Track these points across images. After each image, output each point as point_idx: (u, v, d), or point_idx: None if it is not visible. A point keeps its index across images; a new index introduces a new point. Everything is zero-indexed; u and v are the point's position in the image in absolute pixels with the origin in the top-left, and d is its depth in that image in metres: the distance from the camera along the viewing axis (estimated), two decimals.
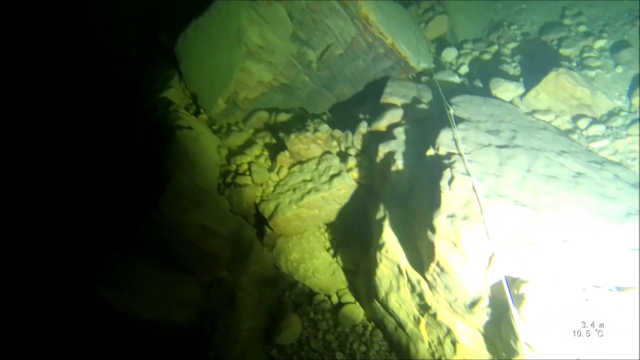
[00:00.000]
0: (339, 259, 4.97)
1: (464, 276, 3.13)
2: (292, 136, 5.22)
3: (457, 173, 3.56)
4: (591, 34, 5.66)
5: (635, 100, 4.55)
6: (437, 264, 3.25)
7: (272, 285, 4.96)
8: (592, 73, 5.08)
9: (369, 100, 5.83)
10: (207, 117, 6.16)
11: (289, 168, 5.23)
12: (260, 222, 5.11)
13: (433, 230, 3.20)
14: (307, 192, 4.82)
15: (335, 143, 5.42)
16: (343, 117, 5.93)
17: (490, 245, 3.04)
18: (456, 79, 5.80)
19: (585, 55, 5.37)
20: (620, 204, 3.44)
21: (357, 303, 4.69)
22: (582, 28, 5.84)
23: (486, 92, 5.35)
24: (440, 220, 3.21)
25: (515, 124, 4.46)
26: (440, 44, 7.11)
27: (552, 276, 2.93)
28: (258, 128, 6.09)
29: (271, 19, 5.99)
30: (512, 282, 2.95)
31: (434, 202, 3.39)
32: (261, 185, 5.15)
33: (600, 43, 5.42)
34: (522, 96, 5.07)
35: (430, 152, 4.06)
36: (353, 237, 4.99)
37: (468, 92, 5.54)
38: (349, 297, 4.77)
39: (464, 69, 6.21)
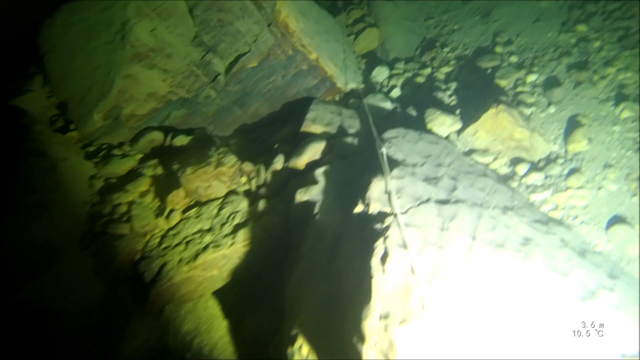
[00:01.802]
0: (244, 329, 3.95)
1: None
2: (189, 170, 4.07)
3: (392, 246, 2.76)
4: (523, 66, 5.35)
5: (570, 147, 4.23)
6: None
7: None
8: (527, 111, 4.72)
9: (288, 124, 4.88)
10: (79, 135, 4.73)
11: (183, 212, 4.07)
12: (141, 283, 3.88)
13: (361, 338, 2.35)
14: (203, 248, 3.72)
15: (244, 179, 4.37)
16: (257, 142, 4.91)
17: None
18: (388, 105, 5.10)
19: (519, 89, 5.02)
20: (573, 282, 2.94)
21: None
22: (514, 58, 5.53)
23: (421, 123, 4.73)
24: (370, 323, 2.37)
25: (455, 168, 3.84)
26: (371, 59, 6.42)
27: None
28: (148, 153, 4.80)
29: (167, 14, 4.75)
30: None
31: (363, 291, 2.55)
32: (144, 235, 3.92)
33: (532, 77, 5.12)
34: (459, 132, 4.52)
35: (359, 208, 3.24)
36: (263, 300, 4.00)
37: (401, 121, 4.89)
38: None
39: (396, 92, 5.56)
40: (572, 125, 4.48)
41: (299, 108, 4.92)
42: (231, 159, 4.26)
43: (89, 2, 4.95)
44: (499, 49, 5.80)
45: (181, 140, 4.77)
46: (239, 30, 4.60)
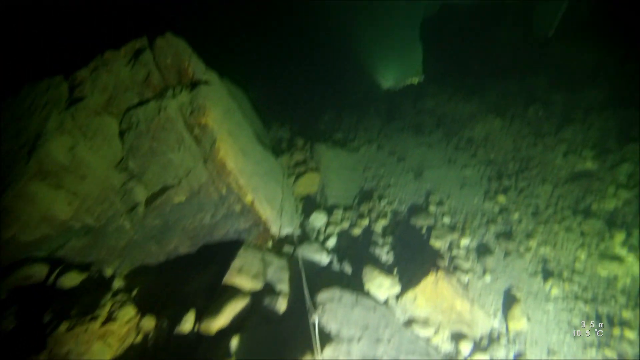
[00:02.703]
0: None
1: None
2: (63, 326, 3.10)
3: None
4: (456, 228, 5.50)
5: (511, 324, 4.03)
6: None
7: None
8: (464, 277, 4.61)
9: (210, 269, 4.22)
10: None
11: None
12: None
13: None
14: None
15: (140, 337, 3.44)
16: (168, 288, 4.10)
17: None
18: (324, 258, 4.73)
19: (454, 252, 5.02)
20: None
21: None
22: (447, 219, 5.71)
23: (357, 282, 4.33)
24: None
25: (395, 347, 3.33)
26: (309, 203, 6.30)
27: None
28: (21, 292, 3.74)
29: (93, 134, 4.30)
30: None
31: None
32: None
33: (465, 241, 5.21)
34: (398, 296, 4.16)
35: None
36: None
37: (337, 278, 4.47)
38: None
39: (332, 242, 5.28)
40: (509, 300, 4.36)
41: (225, 251, 4.34)
42: (128, 312, 3.39)
43: (15, 102, 4.44)
44: (432, 208, 6.00)
45: (71, 279, 3.83)
46: (171, 161, 4.23)
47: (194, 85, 4.42)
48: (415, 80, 17.29)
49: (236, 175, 4.26)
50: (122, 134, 4.31)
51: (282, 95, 12.43)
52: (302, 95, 13.45)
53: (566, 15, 15.02)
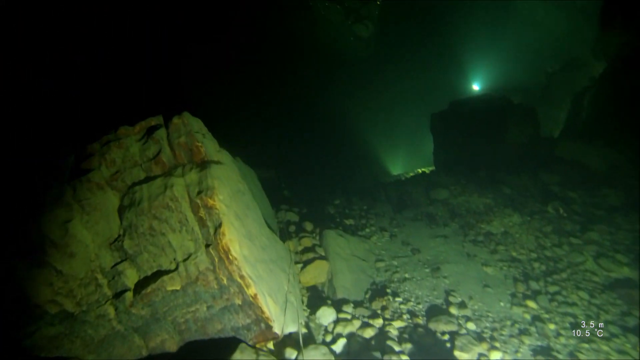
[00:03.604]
0: None
1: None
2: None
3: None
4: (483, 338, 4.81)
5: None
6: None
7: None
8: None
9: None
10: None
11: None
12: None
13: None
14: None
15: None
16: None
17: None
18: None
19: None
20: None
21: None
22: (471, 325, 5.04)
23: None
24: None
25: None
26: (316, 295, 5.72)
27: None
28: None
29: (92, 208, 4.00)
30: None
31: None
32: None
33: (496, 355, 4.49)
34: None
35: None
36: None
37: None
38: None
39: (341, 344, 4.61)
40: None
41: (218, 351, 3.74)
42: None
43: None
44: (453, 310, 5.37)
45: None
46: (169, 244, 3.85)
47: (204, 164, 4.23)
48: (426, 169, 17.46)
49: (240, 263, 3.84)
50: (122, 210, 4.02)
51: (294, 178, 12.42)
52: (314, 179, 13.46)
53: (571, 116, 15.60)
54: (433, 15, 18.56)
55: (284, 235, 6.85)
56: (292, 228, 7.53)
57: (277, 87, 13.97)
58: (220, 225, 3.85)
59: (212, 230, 3.86)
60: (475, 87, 21.83)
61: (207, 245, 3.84)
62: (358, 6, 12.60)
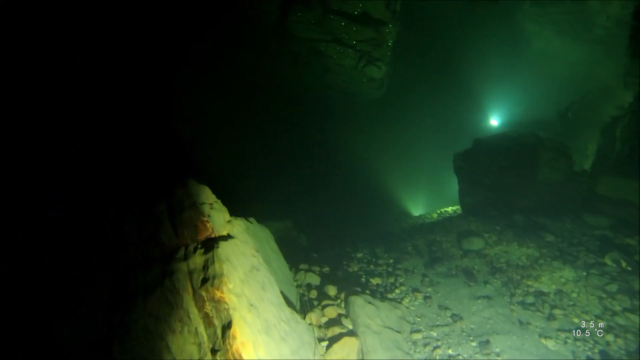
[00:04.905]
0: None
1: None
2: None
3: None
4: None
5: None
6: None
7: None
8: None
9: None
10: None
11: None
12: None
13: None
14: None
15: None
16: None
17: None
18: None
19: None
20: None
21: None
22: None
23: None
24: None
25: None
26: None
27: None
28: None
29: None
30: None
31: None
32: None
33: None
34: None
35: None
36: None
37: None
38: None
39: None
40: None
41: None
42: None
43: None
44: None
45: None
46: (167, 349, 3.10)
47: (211, 242, 3.55)
48: (448, 209, 16.51)
49: None
50: (109, 305, 3.32)
51: (312, 227, 11.67)
52: (333, 226, 12.68)
53: (602, 147, 14.65)
54: (448, 53, 18.35)
55: (304, 306, 6.02)
56: (314, 293, 6.70)
57: (290, 134, 13.64)
58: (230, 324, 3.10)
59: (219, 331, 3.11)
60: (494, 121, 21.17)
61: (214, 351, 3.08)
62: (370, 49, 12.39)
